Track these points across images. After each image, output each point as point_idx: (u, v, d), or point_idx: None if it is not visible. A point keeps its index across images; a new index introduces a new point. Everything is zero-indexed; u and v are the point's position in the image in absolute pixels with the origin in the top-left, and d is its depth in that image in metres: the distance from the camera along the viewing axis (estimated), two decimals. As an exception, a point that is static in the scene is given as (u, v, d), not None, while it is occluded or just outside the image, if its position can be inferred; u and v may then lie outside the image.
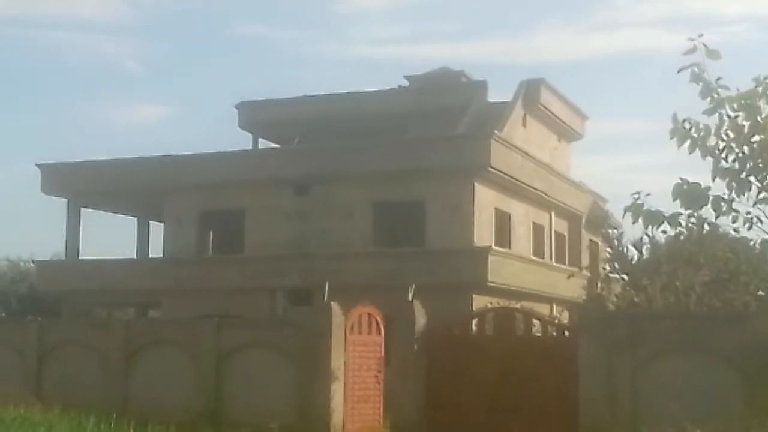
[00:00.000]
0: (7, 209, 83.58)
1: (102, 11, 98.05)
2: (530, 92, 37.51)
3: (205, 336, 23.62)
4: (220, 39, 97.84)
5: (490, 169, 31.06)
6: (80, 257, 36.92)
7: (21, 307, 39.97)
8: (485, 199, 31.85)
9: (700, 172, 7.93)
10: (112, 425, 13.90)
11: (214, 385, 22.89)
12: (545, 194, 35.75)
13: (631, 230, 44.24)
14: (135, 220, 40.48)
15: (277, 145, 41.11)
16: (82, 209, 37.30)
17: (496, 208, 32.75)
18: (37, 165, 36.79)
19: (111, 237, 68.65)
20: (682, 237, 7.59)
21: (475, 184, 31.09)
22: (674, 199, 7.66)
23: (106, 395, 22.59)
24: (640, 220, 7.74)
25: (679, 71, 7.59)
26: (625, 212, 7.74)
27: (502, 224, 33.30)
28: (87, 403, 18.55)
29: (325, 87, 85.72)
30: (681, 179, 7.68)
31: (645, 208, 7.72)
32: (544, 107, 38.52)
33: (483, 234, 31.28)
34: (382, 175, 31.53)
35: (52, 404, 18.24)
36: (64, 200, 36.91)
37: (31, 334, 25.70)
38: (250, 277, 32.19)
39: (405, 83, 40.85)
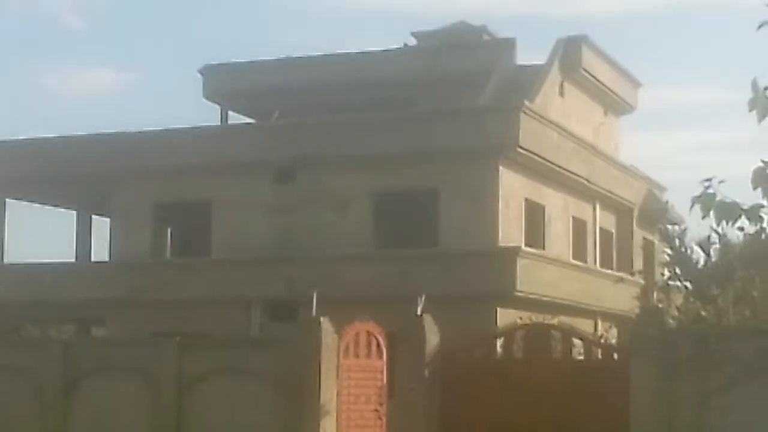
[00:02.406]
0: None
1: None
2: (569, 53, 37.43)
3: (163, 359, 23.67)
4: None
5: (519, 150, 31.04)
6: (5, 261, 36.94)
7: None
8: (513, 188, 31.86)
9: (787, 153, 7.90)
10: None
11: (176, 421, 22.96)
12: (588, 181, 35.73)
13: (698, 227, 44.16)
14: (74, 214, 40.44)
15: (252, 120, 41.13)
16: (6, 200, 37.28)
17: (526, 199, 32.75)
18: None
19: (44, 235, 68.48)
20: (763, 235, 7.55)
21: (501, 168, 31.09)
22: (754, 188, 7.62)
23: (40, 433, 22.65)
24: (711, 213, 7.70)
25: (760, 26, 7.57)
26: (692, 204, 7.70)
27: (535, 219, 33.31)
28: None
29: (314, 48, 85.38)
30: (763, 162, 7.64)
31: (717, 198, 7.69)
32: (587, 72, 38.47)
33: (510, 231, 31.30)
34: (385, 158, 31.54)
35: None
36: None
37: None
38: (219, 285, 32.15)
39: (413, 42, 40.85)
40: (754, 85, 7.67)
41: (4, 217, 37.08)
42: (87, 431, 22.98)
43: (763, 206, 7.71)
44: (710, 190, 7.74)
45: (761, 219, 7.75)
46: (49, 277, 35.46)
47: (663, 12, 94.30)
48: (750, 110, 7.65)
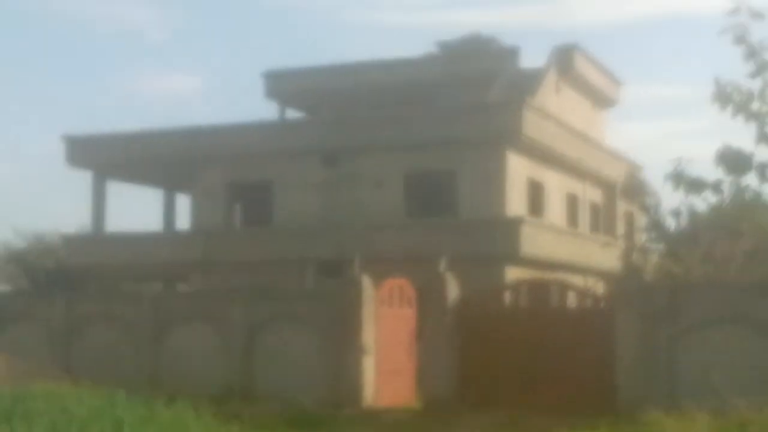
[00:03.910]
0: (33, 182, 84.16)
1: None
2: (564, 58, 37.31)
3: (234, 309, 23.75)
4: (244, 6, 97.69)
5: (523, 138, 30.94)
6: (107, 230, 37.15)
7: (48, 282, 40.27)
8: (518, 169, 31.75)
9: (743, 137, 7.82)
10: (143, 399, 13.97)
11: (245, 359, 23.04)
12: (579, 163, 35.59)
13: (669, 199, 43.98)
14: (161, 192, 40.63)
15: (304, 115, 41.14)
16: (107, 182, 37.48)
17: (528, 178, 32.64)
18: (62, 137, 37.01)
19: (137, 210, 68.77)
20: (723, 204, 7.49)
21: (507, 153, 31.01)
22: (717, 166, 7.58)
23: (135, 370, 22.82)
24: (681, 188, 7.66)
25: (721, 33, 7.49)
26: (665, 180, 7.67)
27: (535, 194, 33.21)
28: (117, 378, 18.70)
29: (353, 55, 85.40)
30: (724, 145, 7.59)
31: (686, 175, 7.65)
32: (579, 73, 38.31)
33: (516, 204, 31.22)
34: (413, 145, 31.46)
35: (81, 379, 18.38)
36: (90, 173, 37.08)
37: (59, 309, 25.92)
38: (278, 249, 32.27)
39: (435, 50, 40.72)
40: (716, 82, 7.61)
41: (106, 196, 37.27)
42: (173, 367, 23.07)
43: (723, 181, 7.67)
44: (680, 168, 7.72)
45: (722, 192, 7.71)
46: (142, 244, 35.67)
47: (642, 24, 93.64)
48: (713, 102, 7.60)
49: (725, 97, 7.62)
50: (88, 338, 25.08)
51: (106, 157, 36.36)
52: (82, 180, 37.33)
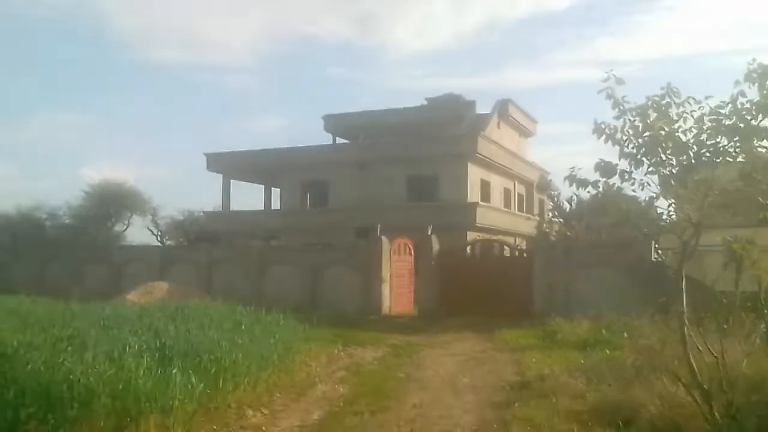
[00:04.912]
0: (186, 181, 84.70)
1: (233, 58, 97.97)
2: (502, 107, 37.03)
3: (307, 256, 23.95)
4: (312, 74, 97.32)
5: (478, 155, 30.79)
6: (230, 209, 37.29)
7: (195, 239, 40.48)
8: (474, 174, 31.60)
9: (611, 155, 7.82)
10: (252, 309, 14.13)
11: (312, 286, 23.26)
12: (511, 170, 35.40)
13: (566, 191, 43.88)
14: (262, 187, 40.67)
15: (347, 141, 41.09)
16: (231, 181, 37.56)
17: (481, 179, 32.47)
18: (204, 154, 37.12)
19: (248, 197, 68.88)
20: (598, 195, 7.49)
21: (469, 164, 30.84)
22: (595, 172, 7.59)
23: (248, 292, 23.04)
24: (574, 184, 7.66)
25: (598, 92, 7.46)
26: (564, 180, 7.66)
27: (485, 189, 33.04)
28: (236, 297, 18.86)
29: (377, 105, 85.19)
30: (600, 159, 7.60)
31: (577, 177, 7.65)
32: (511, 116, 38.02)
33: (473, 195, 31.10)
34: (412, 159, 31.32)
35: (217, 298, 18.55)
36: (220, 175, 37.16)
37: (202, 255, 26.22)
38: (332, 220, 32.27)
39: (425, 102, 40.44)
40: (595, 121, 7.60)
41: (230, 189, 37.35)
42: (270, 291, 23.28)
43: (599, 181, 7.69)
44: (573, 173, 7.71)
45: (598, 187, 7.70)
46: (251, 217, 35.73)
47: (549, 86, 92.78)
48: (593, 133, 7.59)
49: (600, 130, 7.60)
50: (219, 273, 25.34)
51: (230, 166, 36.35)
52: (216, 180, 37.42)
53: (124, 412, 6.73)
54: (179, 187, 79.61)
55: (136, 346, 8.40)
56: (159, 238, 46.06)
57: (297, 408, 8.90)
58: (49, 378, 6.68)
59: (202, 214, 40.66)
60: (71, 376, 6.73)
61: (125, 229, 46.27)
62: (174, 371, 7.58)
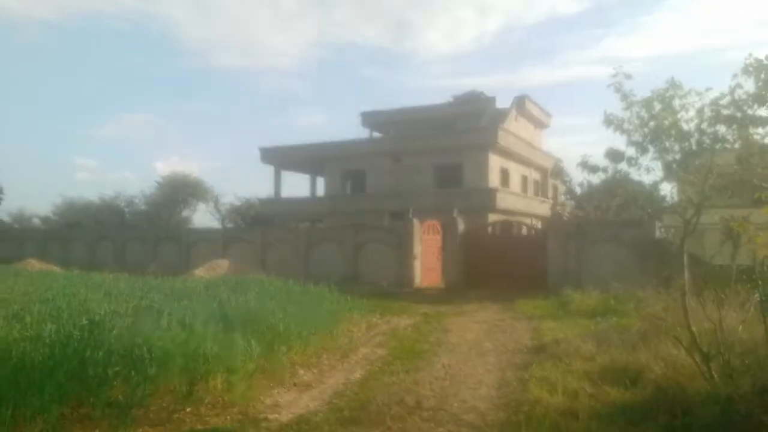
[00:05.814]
0: (244, 171, 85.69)
1: (284, 63, 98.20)
2: (520, 102, 36.42)
3: (348, 236, 24.03)
4: (350, 76, 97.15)
5: (498, 145, 30.40)
6: (281, 196, 37.61)
7: (251, 222, 40.96)
8: (495, 162, 31.22)
9: (619, 143, 7.67)
10: (301, 283, 14.28)
11: (353, 262, 23.37)
12: (528, 158, 34.90)
13: (577, 177, 43.03)
14: (309, 176, 40.86)
15: (382, 135, 40.92)
16: (282, 171, 37.83)
17: (500, 167, 32.09)
18: (258, 148, 37.42)
19: (297, 185, 69.56)
20: (608, 179, 7.39)
21: (489, 154, 30.47)
22: (605, 158, 7.46)
23: (297, 268, 23.30)
24: (586, 170, 7.58)
25: (608, 86, 7.33)
26: (577, 166, 7.60)
27: (504, 175, 32.68)
28: (287, 273, 19.10)
29: (409, 102, 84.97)
30: (608, 147, 7.47)
31: (589, 163, 7.55)
32: (528, 110, 37.39)
33: (494, 181, 30.76)
34: (440, 150, 31.10)
35: (270, 273, 18.80)
36: (272, 166, 37.44)
37: (257, 236, 26.51)
38: (369, 205, 32.32)
39: (451, 99, 40.02)
40: (605, 113, 7.45)
41: (281, 178, 37.62)
42: (316, 267, 23.50)
43: (608, 166, 7.56)
44: (585, 160, 7.60)
45: (607, 172, 7.58)
46: (299, 202, 36.03)
47: (564, 83, 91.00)
48: (603, 124, 7.46)
49: (610, 121, 7.46)
50: (273, 251, 25.64)
51: (281, 158, 36.56)
52: (269, 170, 37.71)
53: (195, 371, 6.91)
54: (237, 177, 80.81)
55: (204, 315, 8.59)
56: (220, 222, 46.75)
57: (341, 368, 9.03)
58: (131, 341, 6.89)
59: (257, 200, 41.12)
60: (150, 340, 6.93)
61: (192, 214, 47.27)
62: (236, 336, 7.74)
